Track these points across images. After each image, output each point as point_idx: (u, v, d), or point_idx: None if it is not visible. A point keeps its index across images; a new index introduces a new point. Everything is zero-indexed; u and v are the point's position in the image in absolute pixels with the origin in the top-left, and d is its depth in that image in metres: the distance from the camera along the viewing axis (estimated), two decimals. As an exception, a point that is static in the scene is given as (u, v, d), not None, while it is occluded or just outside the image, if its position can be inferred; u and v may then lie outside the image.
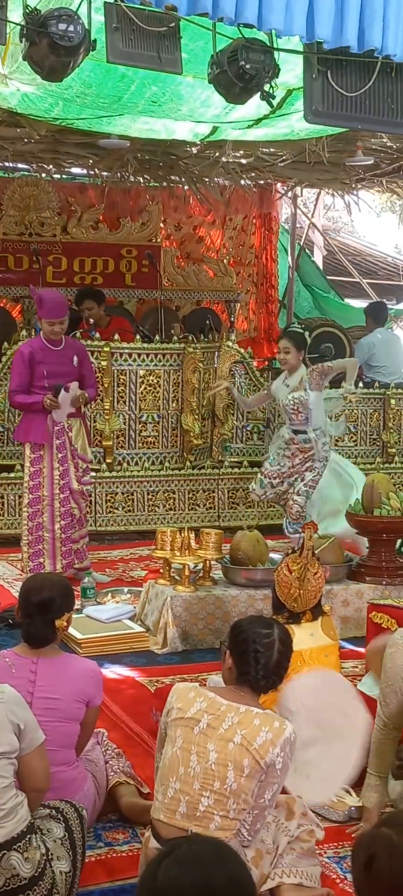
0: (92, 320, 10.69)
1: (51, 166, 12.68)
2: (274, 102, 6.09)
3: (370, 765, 4.37)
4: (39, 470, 8.04)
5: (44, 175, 12.77)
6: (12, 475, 9.54)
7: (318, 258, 16.74)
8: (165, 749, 3.66)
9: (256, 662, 3.75)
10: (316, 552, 5.99)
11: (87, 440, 8.36)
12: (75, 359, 8.13)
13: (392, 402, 11.24)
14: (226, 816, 3.50)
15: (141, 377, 10.15)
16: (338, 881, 3.94)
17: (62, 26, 5.23)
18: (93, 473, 9.59)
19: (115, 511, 9.98)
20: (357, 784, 4.55)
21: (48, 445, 8.02)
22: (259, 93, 5.79)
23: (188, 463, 10.32)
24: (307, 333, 8.60)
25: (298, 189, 14.79)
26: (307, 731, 4.16)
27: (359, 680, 5.78)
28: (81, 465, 8.19)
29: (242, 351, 10.77)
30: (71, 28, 5.24)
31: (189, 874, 2.00)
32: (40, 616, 4.13)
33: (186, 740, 3.58)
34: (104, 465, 9.94)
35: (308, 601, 5.11)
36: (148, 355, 10.18)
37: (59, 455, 8.04)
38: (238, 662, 3.78)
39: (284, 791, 3.82)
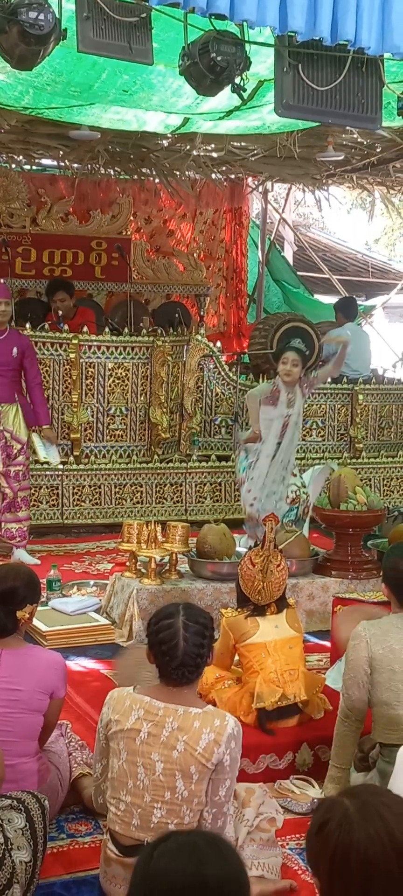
0: (60, 312, 10.66)
1: (21, 157, 12.63)
2: (246, 94, 6.07)
3: (332, 757, 4.39)
4: None
5: (13, 166, 12.71)
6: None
7: (288, 254, 16.77)
8: (112, 761, 3.61)
9: (163, 655, 3.58)
10: (282, 546, 6.02)
11: (26, 421, 8.56)
12: (15, 350, 8.43)
13: (360, 397, 11.28)
14: (181, 823, 3.48)
15: (109, 370, 10.13)
16: (300, 872, 3.94)
17: (32, 14, 5.20)
18: (60, 466, 9.60)
19: (82, 504, 9.94)
20: (320, 776, 4.58)
21: None
22: (230, 85, 5.78)
23: (156, 456, 10.30)
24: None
25: (269, 184, 14.82)
26: None
27: (324, 673, 5.80)
28: (16, 445, 8.48)
29: (211, 345, 10.78)
30: (41, 16, 5.21)
31: (182, 864, 1.96)
32: (2, 606, 4.11)
33: (130, 752, 3.53)
34: (71, 458, 9.91)
35: (272, 593, 5.11)
36: (116, 348, 10.15)
37: None
38: (151, 658, 3.67)
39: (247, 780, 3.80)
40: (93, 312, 11.61)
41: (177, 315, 11.60)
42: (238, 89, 5.83)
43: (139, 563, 7.07)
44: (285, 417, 8.09)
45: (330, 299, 16.21)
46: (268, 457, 8.06)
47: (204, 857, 1.97)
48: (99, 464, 10.06)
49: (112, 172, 13.18)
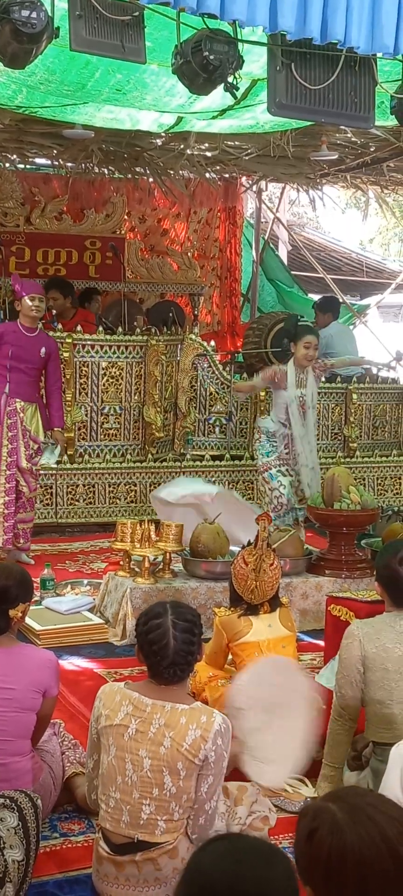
0: (54, 311, 10.65)
1: (14, 156, 12.60)
2: (238, 93, 6.06)
3: (325, 755, 4.39)
4: None
5: (7, 165, 12.68)
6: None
7: (282, 253, 16.76)
8: (102, 757, 3.63)
9: (154, 655, 3.61)
10: (276, 545, 6.02)
11: (43, 424, 8.50)
12: (43, 350, 8.37)
13: (354, 396, 11.29)
14: (171, 819, 3.49)
15: (103, 369, 10.11)
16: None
17: (25, 13, 5.19)
18: (53, 466, 9.56)
19: (76, 503, 9.93)
20: (313, 775, 4.57)
21: None
22: (222, 84, 5.78)
23: (150, 455, 10.29)
24: None
25: (263, 183, 14.80)
26: (255, 719, 4.14)
27: (317, 672, 5.80)
28: (33, 445, 8.41)
29: (205, 344, 10.77)
30: (34, 15, 5.20)
31: (221, 863, 1.96)
32: (-6, 605, 4.11)
33: (119, 748, 3.54)
34: (65, 457, 9.88)
35: (265, 592, 5.12)
36: (110, 347, 10.13)
37: (10, 434, 8.27)
38: (141, 658, 3.69)
39: (240, 779, 3.81)
40: (94, 315, 11.58)
41: (170, 314, 11.58)
42: (230, 88, 5.83)
43: (133, 562, 7.07)
44: (300, 398, 8.37)
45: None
46: (301, 439, 8.42)
47: (243, 859, 1.96)
48: (92, 463, 10.04)
49: (106, 171, 13.14)
